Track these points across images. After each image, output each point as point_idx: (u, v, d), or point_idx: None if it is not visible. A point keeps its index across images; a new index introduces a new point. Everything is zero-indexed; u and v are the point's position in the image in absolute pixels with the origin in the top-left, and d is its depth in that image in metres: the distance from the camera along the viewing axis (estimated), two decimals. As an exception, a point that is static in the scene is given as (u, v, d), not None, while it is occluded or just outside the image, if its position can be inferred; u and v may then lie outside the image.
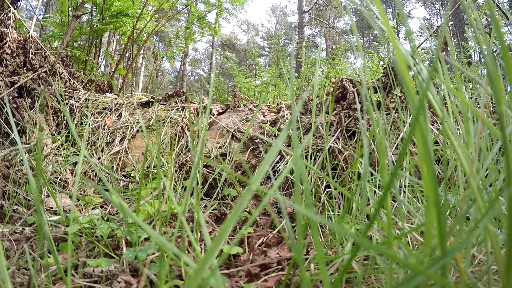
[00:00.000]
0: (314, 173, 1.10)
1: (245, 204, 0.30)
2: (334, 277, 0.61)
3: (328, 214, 0.97)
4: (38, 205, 0.41)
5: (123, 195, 1.37)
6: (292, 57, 0.59)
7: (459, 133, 1.11)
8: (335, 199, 1.03)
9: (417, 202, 0.88)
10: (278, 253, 0.89)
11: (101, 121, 2.01)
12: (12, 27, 2.33)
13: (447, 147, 0.82)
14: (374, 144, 1.21)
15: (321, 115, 1.45)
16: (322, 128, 1.46)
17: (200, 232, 0.88)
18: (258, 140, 1.45)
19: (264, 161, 0.33)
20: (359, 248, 0.30)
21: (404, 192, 0.83)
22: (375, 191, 0.87)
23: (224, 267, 0.80)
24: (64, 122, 2.02)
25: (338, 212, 0.99)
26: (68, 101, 2.19)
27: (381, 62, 5.12)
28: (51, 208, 1.24)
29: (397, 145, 1.17)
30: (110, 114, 2.06)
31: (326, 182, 1.14)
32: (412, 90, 0.34)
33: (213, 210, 1.24)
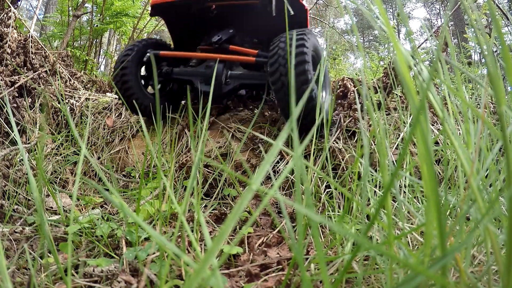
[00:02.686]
0: (314, 173, 1.11)
1: (245, 204, 0.30)
2: (335, 277, 0.61)
3: (328, 214, 0.97)
4: (39, 204, 0.41)
5: (123, 195, 1.37)
6: (293, 56, 0.59)
7: (459, 133, 1.11)
8: (336, 199, 1.03)
9: (417, 203, 0.88)
10: (278, 253, 0.89)
11: (101, 120, 2.01)
12: (12, 27, 2.33)
13: (448, 147, 0.82)
14: (374, 144, 1.21)
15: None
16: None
17: (200, 232, 0.88)
18: (258, 140, 1.45)
19: (264, 161, 0.33)
20: (360, 248, 0.30)
21: (404, 192, 0.83)
22: (375, 191, 0.87)
23: (224, 267, 0.80)
24: (64, 121, 2.02)
25: (338, 212, 0.99)
26: (69, 100, 2.19)
27: (381, 62, 5.12)
28: (51, 208, 1.24)
29: (397, 145, 1.17)
30: (110, 114, 2.06)
31: (327, 182, 1.14)
32: (412, 90, 0.34)
33: (213, 210, 1.24)
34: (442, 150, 1.11)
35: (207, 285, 0.38)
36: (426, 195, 0.39)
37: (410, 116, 1.27)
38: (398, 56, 0.35)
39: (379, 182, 0.93)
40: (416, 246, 0.71)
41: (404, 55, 0.40)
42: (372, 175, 0.93)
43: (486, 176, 0.62)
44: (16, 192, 1.22)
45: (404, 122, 1.17)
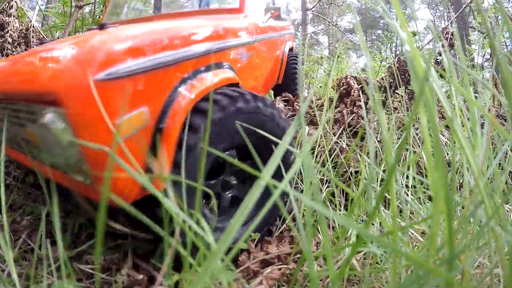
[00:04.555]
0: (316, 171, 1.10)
1: (255, 198, 0.30)
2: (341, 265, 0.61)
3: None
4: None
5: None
6: (300, 54, 0.59)
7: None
8: (337, 198, 1.03)
9: (419, 204, 0.88)
10: (277, 248, 0.89)
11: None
12: (14, 16, 2.31)
13: (454, 148, 0.81)
14: (377, 143, 1.20)
15: (324, 112, 1.44)
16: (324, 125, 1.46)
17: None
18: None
19: (273, 157, 0.33)
20: (361, 241, 0.30)
21: (407, 194, 0.83)
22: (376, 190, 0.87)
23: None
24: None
25: (339, 211, 0.99)
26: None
27: (383, 63, 5.11)
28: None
29: (399, 144, 1.17)
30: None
31: (328, 182, 1.14)
32: (425, 86, 0.33)
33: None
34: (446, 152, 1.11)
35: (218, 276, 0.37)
36: (433, 193, 0.38)
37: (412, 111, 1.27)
38: (411, 49, 0.34)
39: (380, 182, 0.93)
40: (416, 247, 0.71)
41: (416, 49, 0.39)
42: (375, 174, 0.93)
43: (489, 179, 0.62)
44: (16, 186, 1.21)
45: (412, 123, 1.17)
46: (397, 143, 1.17)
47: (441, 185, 0.31)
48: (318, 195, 0.32)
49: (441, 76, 1.37)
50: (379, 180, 0.91)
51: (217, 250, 0.25)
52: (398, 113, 1.36)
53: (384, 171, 0.96)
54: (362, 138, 1.31)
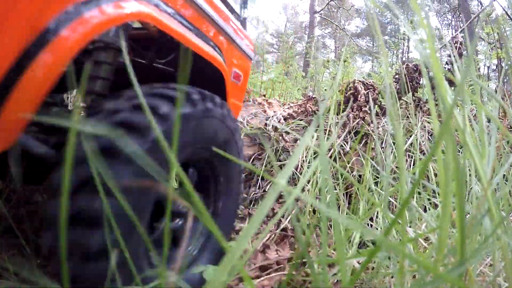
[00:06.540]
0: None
1: (270, 203, 0.30)
2: (355, 271, 0.61)
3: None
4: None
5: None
6: (317, 57, 0.60)
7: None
8: (340, 199, 1.03)
9: (422, 212, 0.88)
10: (276, 253, 0.89)
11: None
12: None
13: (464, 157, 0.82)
14: (381, 148, 1.21)
15: (330, 116, 1.45)
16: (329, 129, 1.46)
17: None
18: (266, 134, 1.45)
19: (291, 157, 0.33)
20: (380, 248, 0.31)
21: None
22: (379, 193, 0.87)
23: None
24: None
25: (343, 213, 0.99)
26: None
27: (389, 68, 5.11)
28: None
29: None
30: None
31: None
32: (443, 89, 0.34)
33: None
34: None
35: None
36: (442, 200, 0.39)
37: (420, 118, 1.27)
38: (431, 53, 0.35)
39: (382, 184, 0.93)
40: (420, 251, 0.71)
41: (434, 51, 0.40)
42: (377, 177, 0.93)
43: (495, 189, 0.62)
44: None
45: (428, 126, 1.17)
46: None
47: (457, 195, 0.31)
48: (333, 199, 0.32)
49: (450, 83, 1.37)
50: (380, 184, 0.91)
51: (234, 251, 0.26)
52: (405, 119, 1.37)
53: (394, 178, 0.96)
54: (366, 142, 1.31)
